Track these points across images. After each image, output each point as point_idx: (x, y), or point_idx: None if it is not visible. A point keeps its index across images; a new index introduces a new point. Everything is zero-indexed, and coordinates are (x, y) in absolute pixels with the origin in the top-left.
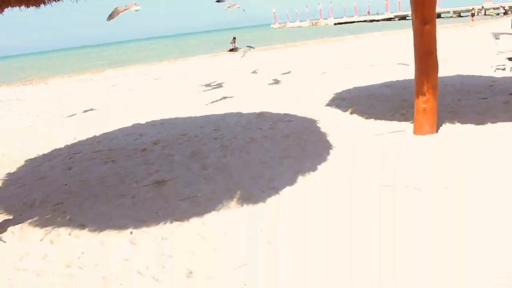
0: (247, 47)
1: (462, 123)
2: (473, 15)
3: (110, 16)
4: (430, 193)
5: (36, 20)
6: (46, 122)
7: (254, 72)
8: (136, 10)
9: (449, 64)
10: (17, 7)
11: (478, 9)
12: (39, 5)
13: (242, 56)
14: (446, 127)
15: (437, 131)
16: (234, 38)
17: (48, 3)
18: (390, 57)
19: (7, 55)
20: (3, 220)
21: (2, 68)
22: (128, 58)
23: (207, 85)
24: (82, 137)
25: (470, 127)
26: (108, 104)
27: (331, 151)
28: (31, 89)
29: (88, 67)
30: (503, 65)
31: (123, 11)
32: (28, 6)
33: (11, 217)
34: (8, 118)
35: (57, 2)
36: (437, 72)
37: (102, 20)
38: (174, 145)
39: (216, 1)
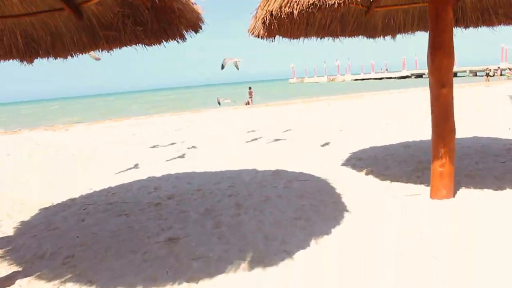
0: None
1: (480, 188)
2: (487, 75)
3: (222, 66)
4: (447, 262)
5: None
6: (63, 170)
7: (269, 127)
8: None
9: (466, 123)
10: (46, 58)
11: (494, 69)
12: (67, 57)
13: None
14: (463, 192)
15: (454, 196)
16: (250, 88)
17: (74, 55)
18: (406, 116)
19: (26, 100)
20: (13, 272)
21: (23, 112)
22: (145, 108)
23: (224, 139)
24: (97, 187)
25: (489, 193)
26: (127, 152)
27: (345, 213)
28: (52, 135)
29: (96, 116)
30: None
31: (230, 61)
32: (56, 58)
33: (20, 269)
34: (28, 162)
35: (82, 55)
36: (454, 136)
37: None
38: (188, 201)
39: (222, 68)
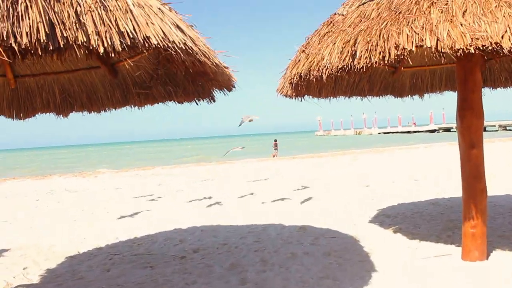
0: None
1: None
2: None
3: (240, 124)
4: None
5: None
6: (91, 217)
7: (295, 180)
8: (251, 120)
9: (497, 180)
10: (80, 112)
11: None
12: (100, 112)
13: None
14: (497, 254)
15: (487, 258)
16: (275, 141)
17: (108, 110)
18: (434, 171)
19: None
20: None
21: (56, 157)
22: (173, 156)
23: (250, 191)
24: (123, 236)
25: None
26: (153, 203)
27: (373, 273)
28: (81, 181)
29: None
30: None
31: (247, 119)
32: (90, 112)
33: None
34: (56, 209)
35: (116, 110)
36: (486, 196)
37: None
38: (213, 255)
39: (239, 125)
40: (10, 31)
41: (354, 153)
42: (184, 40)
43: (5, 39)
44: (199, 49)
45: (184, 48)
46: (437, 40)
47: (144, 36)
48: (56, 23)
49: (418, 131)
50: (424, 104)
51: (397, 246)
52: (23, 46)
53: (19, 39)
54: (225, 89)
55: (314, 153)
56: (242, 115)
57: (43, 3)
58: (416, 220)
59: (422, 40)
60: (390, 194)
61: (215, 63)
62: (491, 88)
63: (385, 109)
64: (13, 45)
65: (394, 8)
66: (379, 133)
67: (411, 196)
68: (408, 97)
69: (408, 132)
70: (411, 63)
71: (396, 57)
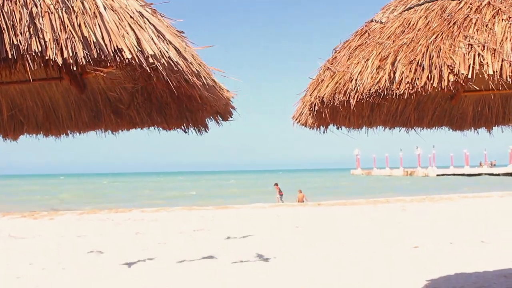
0: None
1: None
2: None
3: None
4: None
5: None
6: (41, 274)
7: (316, 236)
8: None
9: None
10: (34, 135)
11: None
12: (60, 136)
13: None
14: None
15: None
16: (276, 184)
17: (70, 134)
18: (510, 231)
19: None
20: None
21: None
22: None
23: (253, 249)
24: None
25: None
26: (126, 263)
27: None
28: (31, 224)
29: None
30: None
31: None
32: (47, 136)
33: None
34: None
35: (81, 134)
36: None
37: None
38: None
39: None
40: None
41: (402, 201)
42: (168, 54)
43: None
44: (187, 66)
45: (167, 64)
46: (502, 62)
47: (116, 47)
48: (5, 26)
49: (492, 174)
50: (501, 137)
51: None
52: None
53: None
54: (219, 117)
55: (348, 198)
56: None
57: None
58: None
59: (482, 65)
60: (446, 259)
61: (208, 84)
62: None
63: (446, 143)
64: None
65: (448, 16)
66: (438, 174)
67: (475, 263)
68: (471, 131)
69: (479, 174)
70: (476, 88)
71: (448, 83)
